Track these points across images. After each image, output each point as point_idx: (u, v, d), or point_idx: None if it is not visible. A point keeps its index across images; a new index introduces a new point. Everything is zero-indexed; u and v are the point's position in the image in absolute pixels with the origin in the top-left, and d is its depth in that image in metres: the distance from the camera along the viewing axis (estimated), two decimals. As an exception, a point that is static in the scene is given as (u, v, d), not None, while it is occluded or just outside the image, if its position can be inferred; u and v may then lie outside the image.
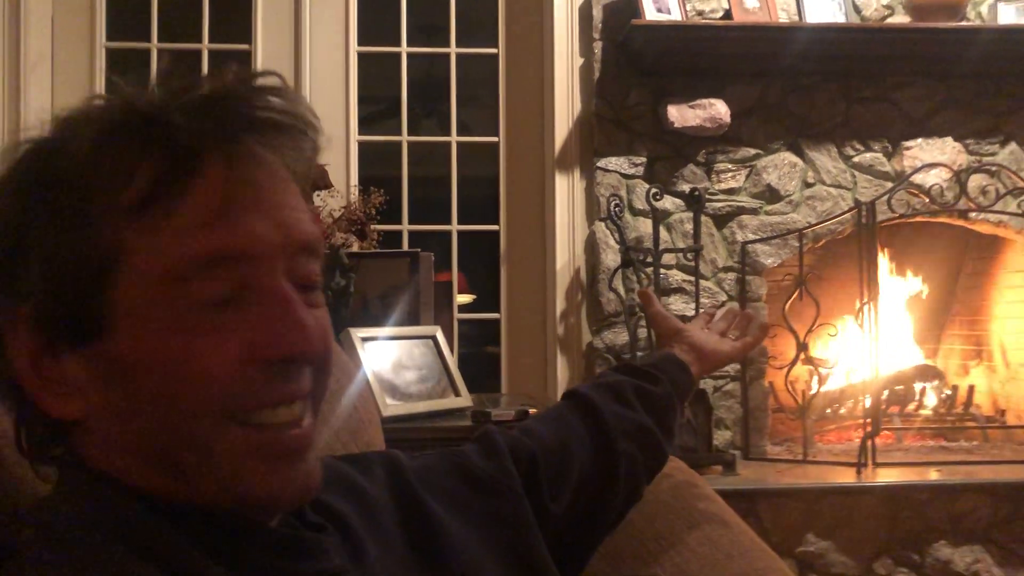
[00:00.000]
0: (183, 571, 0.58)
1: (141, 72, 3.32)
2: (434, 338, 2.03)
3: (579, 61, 3.19)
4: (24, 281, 0.59)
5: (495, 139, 3.35)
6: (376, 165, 3.38)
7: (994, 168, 3.13)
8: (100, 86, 3.24)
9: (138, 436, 0.61)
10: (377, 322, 2.05)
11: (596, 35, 3.14)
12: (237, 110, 0.61)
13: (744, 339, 1.22)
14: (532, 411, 1.92)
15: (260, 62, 3.28)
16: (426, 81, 3.56)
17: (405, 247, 3.26)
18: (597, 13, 3.13)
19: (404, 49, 3.37)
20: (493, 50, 3.38)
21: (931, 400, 3.38)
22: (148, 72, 3.25)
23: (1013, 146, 3.19)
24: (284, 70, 3.21)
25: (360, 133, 3.33)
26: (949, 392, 3.38)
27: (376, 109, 3.56)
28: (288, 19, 3.29)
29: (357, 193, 2.71)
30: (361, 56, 3.34)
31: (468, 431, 1.86)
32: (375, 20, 3.39)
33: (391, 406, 1.76)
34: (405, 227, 3.28)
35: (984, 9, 3.20)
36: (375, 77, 3.41)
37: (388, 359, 1.91)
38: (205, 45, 3.31)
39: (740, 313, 1.27)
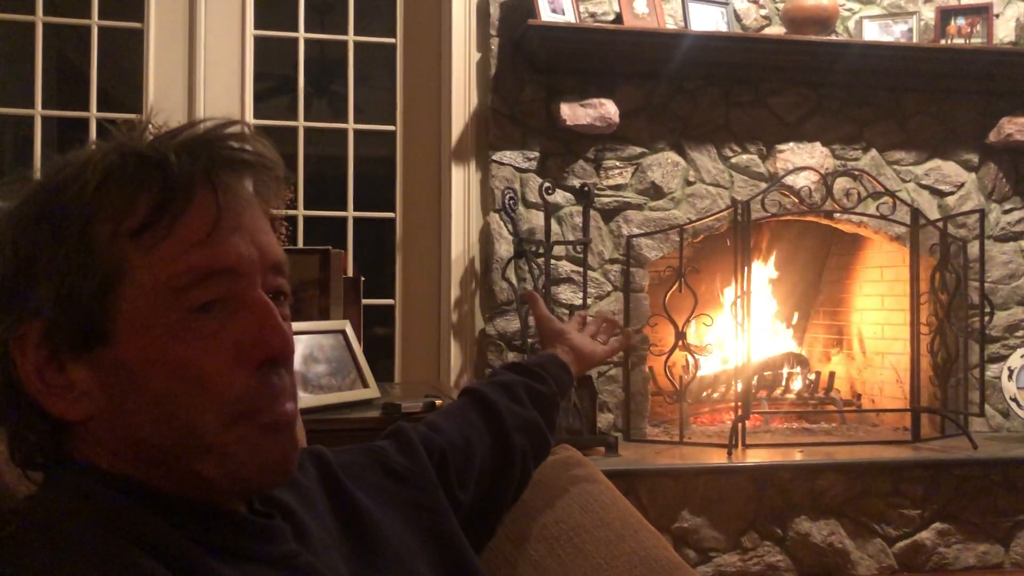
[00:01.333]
0: (166, 553, 0.65)
1: (22, 45, 3.21)
2: (343, 332, 2.09)
3: (476, 56, 3.27)
4: (33, 301, 0.67)
5: (392, 128, 3.40)
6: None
7: (857, 172, 3.38)
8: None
9: (140, 433, 0.69)
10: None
11: (493, 32, 3.23)
12: (219, 151, 0.71)
13: (612, 343, 1.40)
14: (438, 402, 2.01)
15: (153, 42, 3.22)
16: (320, 62, 3.56)
17: (300, 233, 3.29)
18: (494, 11, 3.22)
19: (302, 35, 3.37)
20: (391, 40, 3.42)
21: (796, 385, 3.63)
22: (33, 45, 3.15)
23: (874, 152, 3.45)
24: (178, 51, 3.19)
25: (253, 110, 3.32)
26: (812, 378, 3.65)
27: (267, 86, 3.54)
28: (182, -2, 3.25)
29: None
30: (256, 38, 3.32)
31: (378, 422, 1.93)
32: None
33: (303, 399, 1.81)
34: (301, 212, 3.30)
35: (851, 25, 3.45)
36: (268, 55, 3.40)
37: (299, 353, 1.96)
38: (95, 21, 3.23)
39: (608, 320, 1.45)
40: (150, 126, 0.73)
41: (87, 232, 0.67)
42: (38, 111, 3.20)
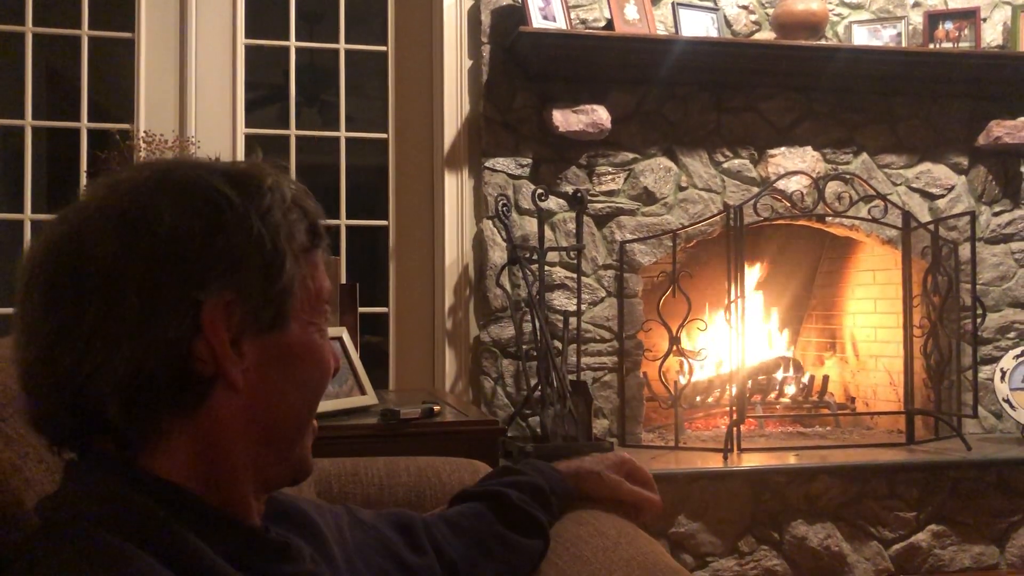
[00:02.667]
0: (186, 564, 0.66)
1: (12, 55, 3.20)
2: (340, 339, 2.09)
3: (468, 63, 3.28)
4: (246, 277, 0.74)
5: (384, 135, 3.40)
6: (257, 156, 3.35)
7: (848, 176, 3.40)
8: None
9: (275, 410, 0.77)
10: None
11: (484, 39, 3.23)
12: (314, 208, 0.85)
13: (634, 490, 1.23)
14: (436, 408, 2.01)
15: (144, 51, 3.22)
16: (310, 70, 3.56)
17: (294, 241, 3.27)
18: (485, 17, 3.23)
19: (293, 44, 3.37)
20: (382, 47, 3.42)
21: (790, 389, 3.64)
22: (22, 55, 3.14)
23: (865, 156, 3.47)
24: (169, 61, 3.19)
25: (245, 119, 3.32)
26: (806, 382, 3.65)
27: (259, 95, 3.54)
28: (173, 7, 3.24)
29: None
30: (247, 47, 3.32)
31: (375, 429, 1.93)
32: (259, 7, 3.36)
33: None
34: (294, 221, 3.28)
35: (841, 29, 3.46)
36: (259, 64, 3.40)
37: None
38: (85, 31, 3.23)
39: (646, 477, 1.27)
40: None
41: (289, 233, 0.78)
42: (28, 122, 3.19)
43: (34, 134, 3.22)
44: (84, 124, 3.22)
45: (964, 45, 3.38)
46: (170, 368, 0.70)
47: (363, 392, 2.10)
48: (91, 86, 3.24)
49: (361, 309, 3.16)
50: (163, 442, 0.72)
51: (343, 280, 3.03)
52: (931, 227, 3.36)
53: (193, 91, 3.24)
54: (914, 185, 3.50)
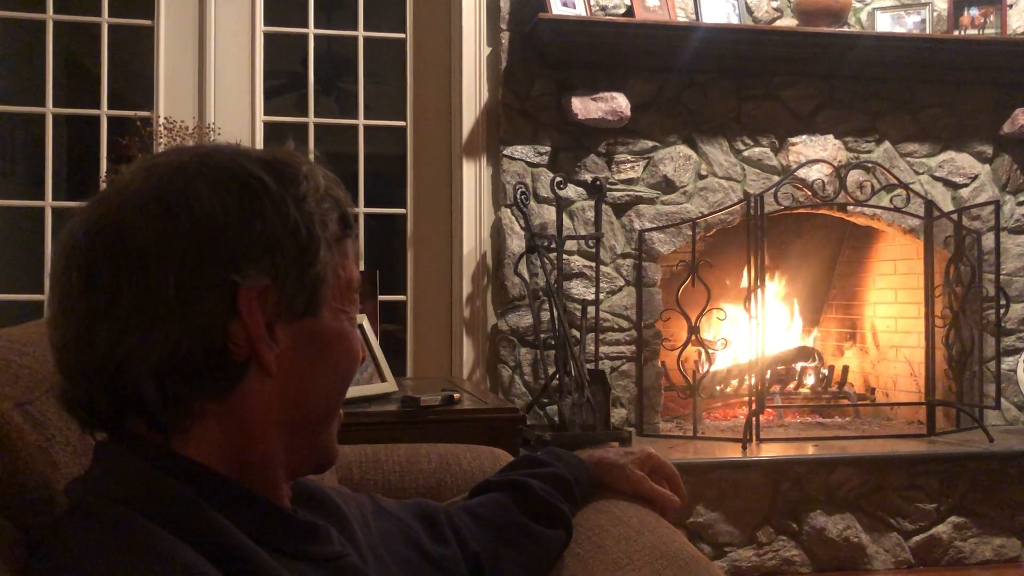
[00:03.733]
0: (214, 545, 0.66)
1: (33, 43, 3.21)
2: (360, 326, 2.08)
3: (486, 50, 3.26)
4: (282, 262, 0.75)
5: (402, 123, 3.39)
6: (279, 143, 3.35)
7: (870, 165, 3.36)
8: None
9: (306, 395, 0.78)
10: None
11: (503, 26, 3.22)
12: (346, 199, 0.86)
13: (654, 487, 1.21)
14: (456, 395, 2.01)
15: (163, 39, 3.22)
16: (328, 58, 3.56)
17: (312, 229, 3.27)
18: (504, 5, 3.21)
19: (311, 31, 3.37)
20: (401, 35, 3.41)
21: (809, 380, 3.62)
22: (43, 42, 3.16)
23: (887, 144, 3.43)
24: (188, 48, 3.19)
25: (263, 106, 3.32)
26: (825, 372, 3.63)
27: (277, 83, 3.54)
28: (192, -5, 3.25)
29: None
30: (266, 35, 3.32)
31: (396, 416, 1.93)
32: (280, -2, 3.37)
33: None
34: (312, 209, 3.29)
35: (864, 16, 3.43)
36: (278, 52, 3.40)
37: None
38: (105, 19, 3.23)
39: (671, 474, 1.25)
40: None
41: (316, 224, 0.78)
42: (49, 109, 3.20)
43: (54, 121, 3.23)
44: (104, 111, 3.23)
45: (989, 32, 3.34)
46: (205, 351, 0.71)
47: (383, 379, 2.10)
48: (111, 73, 3.24)
49: (380, 297, 3.17)
50: (196, 425, 0.72)
51: (362, 267, 3.03)
52: (954, 216, 3.33)
53: (212, 78, 3.25)
54: (937, 174, 3.46)
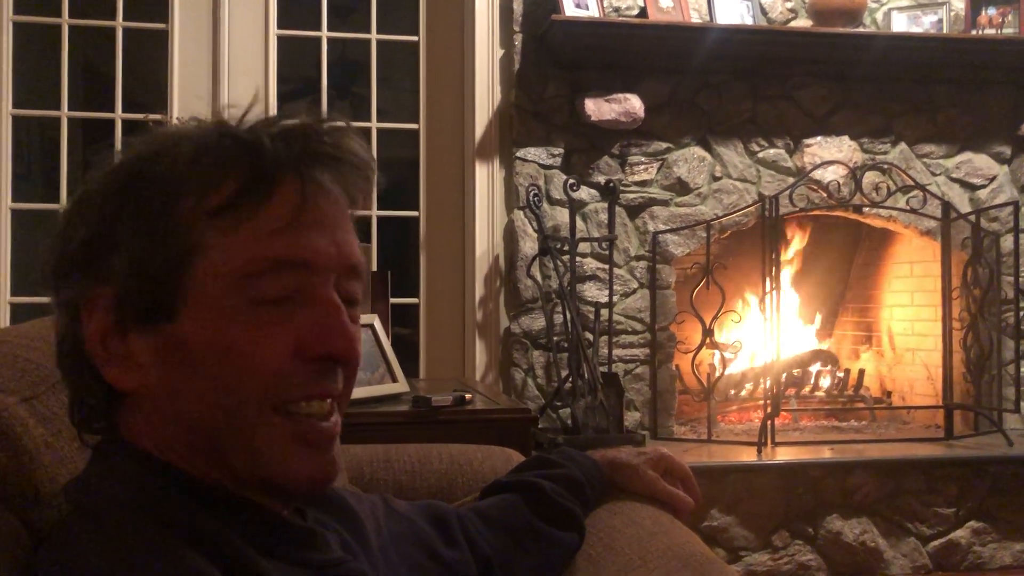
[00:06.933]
0: (213, 549, 0.65)
1: (51, 48, 3.23)
2: (372, 327, 2.09)
3: (499, 52, 3.26)
4: (109, 266, 0.67)
5: (415, 126, 3.39)
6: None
7: (886, 166, 3.34)
8: (7, 61, 3.15)
9: (186, 414, 0.68)
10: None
11: (516, 28, 3.21)
12: (313, 143, 0.70)
13: (667, 487, 1.19)
14: (467, 396, 2.00)
15: (177, 42, 3.23)
16: (341, 63, 3.56)
17: (325, 232, 3.28)
18: (517, 6, 3.20)
19: (324, 34, 3.37)
20: (414, 38, 3.41)
21: (825, 383, 3.59)
22: (59, 47, 3.17)
23: (903, 146, 3.40)
24: (202, 52, 3.20)
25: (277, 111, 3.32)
26: (841, 375, 3.60)
27: (289, 88, 3.54)
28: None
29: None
30: (279, 38, 3.32)
31: (407, 416, 1.93)
32: (292, 1, 3.37)
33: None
34: (325, 212, 3.29)
35: (879, 16, 3.40)
36: (290, 57, 3.40)
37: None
38: (119, 23, 3.25)
39: (685, 475, 1.25)
40: (253, 110, 0.72)
41: (170, 204, 0.67)
42: (64, 112, 3.22)
43: (69, 125, 3.25)
44: (119, 115, 3.24)
45: (1008, 31, 3.30)
46: (91, 373, 0.70)
47: (394, 380, 2.09)
48: (125, 77, 3.25)
49: (392, 300, 3.17)
50: (137, 428, 0.72)
51: (374, 269, 3.03)
52: (972, 218, 3.29)
53: (226, 82, 3.26)
54: (954, 175, 3.43)
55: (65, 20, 3.21)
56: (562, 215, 3.17)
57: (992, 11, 3.31)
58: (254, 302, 0.67)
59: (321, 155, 0.70)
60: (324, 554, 0.75)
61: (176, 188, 0.67)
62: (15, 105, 3.19)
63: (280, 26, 3.32)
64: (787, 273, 3.54)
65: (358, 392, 1.96)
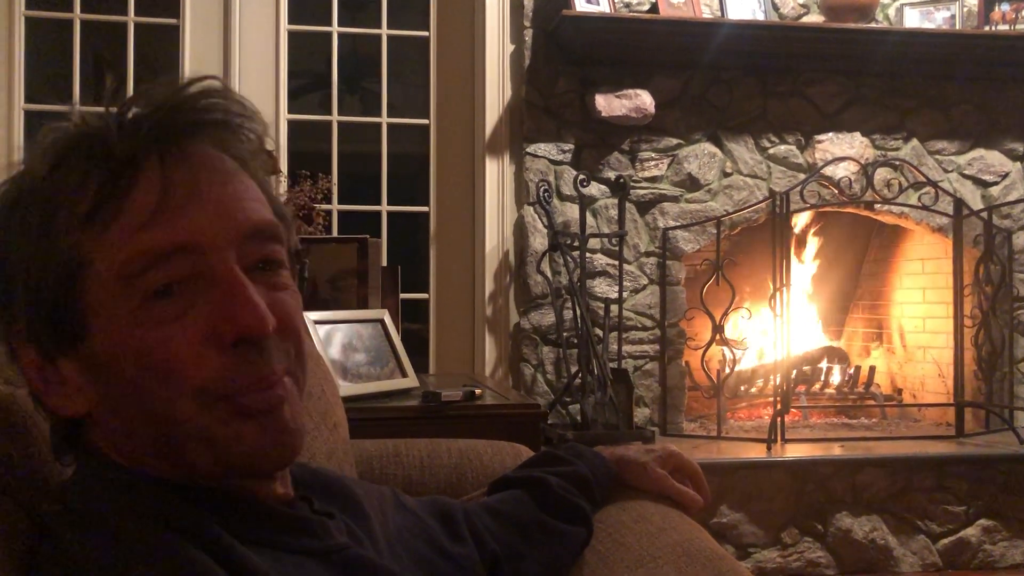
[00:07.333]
0: (209, 545, 0.64)
1: (62, 42, 3.24)
2: (382, 321, 2.09)
3: (510, 48, 3.25)
4: (15, 301, 0.65)
5: (425, 121, 3.39)
6: (303, 141, 3.37)
7: (898, 163, 3.32)
8: (20, 54, 3.16)
9: (133, 424, 0.67)
10: (327, 305, 2.10)
11: (527, 23, 3.20)
12: (174, 117, 0.66)
13: (676, 486, 1.18)
14: (477, 391, 2.00)
15: (188, 37, 3.24)
16: (351, 58, 3.56)
17: (335, 227, 3.29)
18: (528, 1, 3.20)
19: (335, 29, 3.37)
20: (424, 33, 3.40)
21: (835, 380, 3.58)
22: (70, 42, 3.19)
23: (915, 142, 3.38)
24: (213, 47, 3.20)
25: (288, 105, 3.33)
26: (852, 372, 3.59)
27: (300, 83, 3.55)
28: (217, -6, 3.26)
29: (305, 179, 2.71)
30: (290, 33, 3.33)
31: (417, 411, 1.93)
32: (304, -4, 3.38)
33: (343, 387, 1.82)
34: (335, 207, 3.30)
35: (892, 12, 3.38)
36: (300, 51, 3.40)
37: (339, 341, 1.97)
38: (131, 18, 3.25)
39: (694, 472, 1.24)
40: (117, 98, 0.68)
41: (47, 222, 0.63)
42: (76, 107, 3.22)
43: (81, 120, 3.25)
44: (130, 110, 3.24)
45: (1021, 27, 3.28)
46: (41, 404, 0.70)
47: (404, 375, 2.10)
48: (136, 72, 3.26)
49: (402, 295, 3.17)
50: (103, 444, 0.72)
51: (384, 264, 3.03)
52: (984, 215, 3.27)
53: (237, 77, 3.26)
54: (967, 172, 3.41)
55: (77, 15, 3.22)
56: (572, 211, 3.16)
57: (1006, 7, 3.29)
58: (148, 300, 0.63)
59: (183, 125, 0.66)
60: (324, 541, 0.74)
61: (46, 204, 0.64)
62: (26, 100, 3.20)
63: (291, 21, 3.32)
64: (802, 270, 3.53)
65: (368, 387, 1.97)
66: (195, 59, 3.25)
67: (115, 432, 0.68)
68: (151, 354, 0.63)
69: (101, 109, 0.68)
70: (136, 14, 3.26)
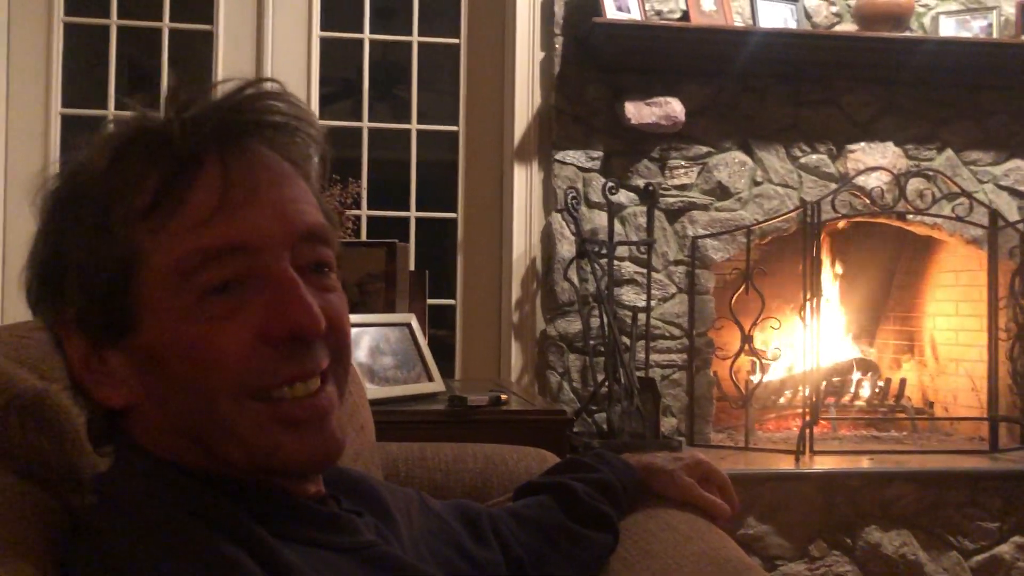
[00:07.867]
0: (241, 537, 0.65)
1: (99, 48, 3.29)
2: (409, 325, 2.10)
3: (540, 55, 3.25)
4: (64, 290, 0.67)
5: (455, 128, 3.40)
6: (334, 146, 3.37)
7: (931, 173, 3.28)
8: (57, 61, 3.21)
9: (175, 418, 0.68)
10: (354, 309, 2.11)
11: (557, 30, 3.21)
12: (235, 117, 0.68)
13: (705, 496, 1.18)
14: (503, 396, 2.00)
15: (222, 43, 3.28)
16: (382, 64, 3.58)
17: (364, 232, 3.30)
18: (559, 9, 3.20)
19: (367, 36, 3.40)
20: (455, 40, 3.42)
21: (865, 392, 3.53)
22: (106, 48, 3.23)
23: (949, 152, 3.34)
24: (246, 53, 3.23)
25: (319, 111, 3.35)
26: (882, 385, 3.54)
27: (331, 90, 3.57)
28: (251, 0, 3.29)
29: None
30: (322, 39, 3.35)
31: (443, 415, 1.93)
32: (334, 2, 3.40)
33: (371, 390, 1.82)
34: (364, 212, 3.32)
35: (927, 21, 3.35)
36: (331, 58, 3.43)
37: (366, 345, 1.98)
38: (166, 24, 3.30)
39: (723, 482, 1.23)
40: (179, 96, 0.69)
41: (103, 216, 0.65)
42: (111, 112, 3.27)
43: (116, 124, 3.30)
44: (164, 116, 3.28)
45: (1059, 37, 3.24)
46: (84, 395, 0.71)
47: (430, 379, 2.10)
48: (170, 77, 3.30)
49: (429, 301, 3.17)
50: (142, 436, 0.73)
51: (412, 268, 3.04)
52: (1020, 226, 3.23)
53: (268, 82, 3.28)
54: (1002, 183, 3.36)
55: (113, 21, 3.27)
56: (600, 218, 3.16)
57: (1044, 16, 3.24)
58: (203, 297, 0.65)
59: (244, 126, 0.68)
60: (354, 537, 0.75)
61: (104, 198, 0.65)
62: (64, 105, 3.24)
63: (323, 28, 3.35)
64: (829, 280, 3.49)
65: (394, 390, 1.97)
66: (228, 65, 3.29)
67: (155, 425, 0.69)
68: (200, 349, 0.64)
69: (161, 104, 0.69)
70: (171, 20, 3.30)
